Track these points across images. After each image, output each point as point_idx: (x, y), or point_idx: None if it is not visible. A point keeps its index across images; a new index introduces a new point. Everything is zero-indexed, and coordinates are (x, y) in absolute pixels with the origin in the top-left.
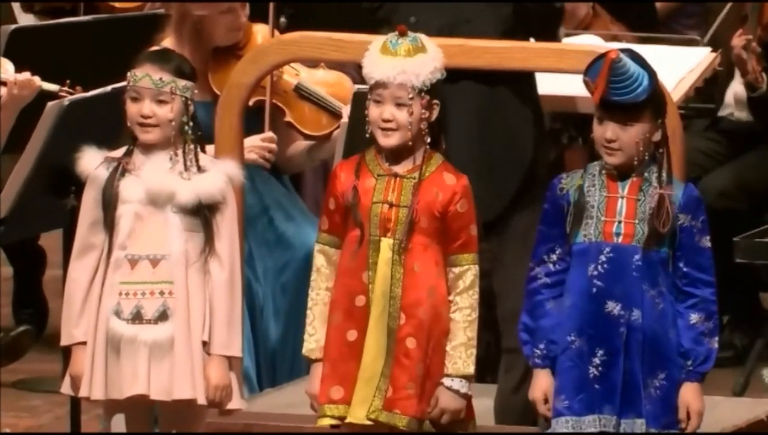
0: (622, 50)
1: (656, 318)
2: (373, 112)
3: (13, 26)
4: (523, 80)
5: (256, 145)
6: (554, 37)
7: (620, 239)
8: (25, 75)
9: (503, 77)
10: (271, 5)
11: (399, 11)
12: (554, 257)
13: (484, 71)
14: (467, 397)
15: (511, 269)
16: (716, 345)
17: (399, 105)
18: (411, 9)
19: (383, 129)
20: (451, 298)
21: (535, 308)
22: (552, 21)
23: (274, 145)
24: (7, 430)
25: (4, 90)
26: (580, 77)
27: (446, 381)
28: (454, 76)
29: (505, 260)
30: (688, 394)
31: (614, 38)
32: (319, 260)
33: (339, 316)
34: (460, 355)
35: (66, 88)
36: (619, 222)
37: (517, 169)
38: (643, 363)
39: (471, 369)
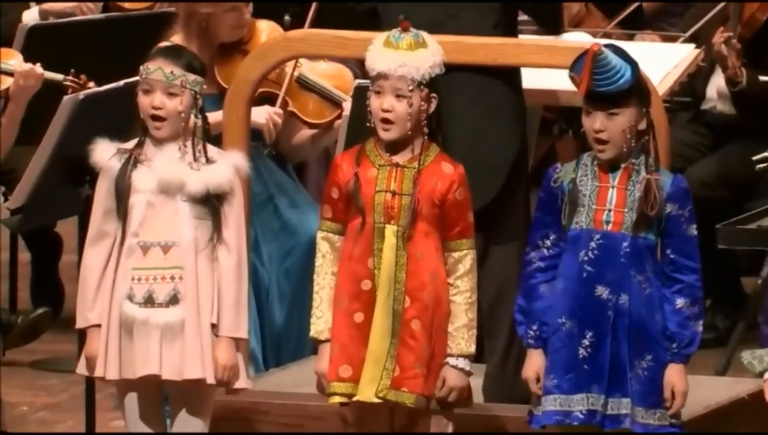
0: (605, 45)
1: (643, 302)
2: (374, 103)
3: (31, 23)
4: (508, 74)
5: (268, 110)
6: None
7: (610, 227)
8: (29, 65)
9: (490, 71)
10: (314, 4)
11: (390, 8)
12: (548, 243)
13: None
14: (470, 375)
15: (494, 259)
16: (701, 328)
17: (399, 96)
18: (399, 5)
19: (382, 120)
20: (450, 281)
21: (530, 291)
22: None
23: (279, 120)
24: (25, 408)
25: (12, 81)
26: (564, 72)
27: (451, 360)
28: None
29: (489, 250)
30: (673, 375)
31: (605, 35)
32: (324, 247)
33: (346, 300)
34: (463, 335)
35: (70, 78)
36: (609, 210)
37: (503, 162)
38: (629, 345)
39: (473, 348)
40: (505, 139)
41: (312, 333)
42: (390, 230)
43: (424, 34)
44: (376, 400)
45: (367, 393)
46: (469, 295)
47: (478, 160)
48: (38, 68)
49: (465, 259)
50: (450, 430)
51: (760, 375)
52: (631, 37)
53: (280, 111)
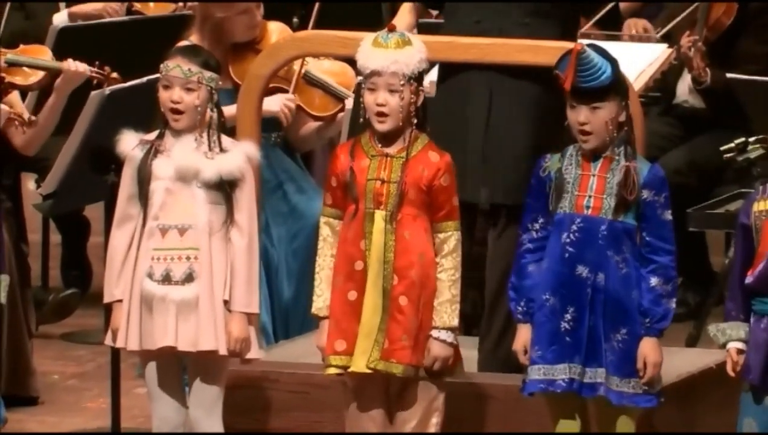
0: (588, 45)
1: (619, 280)
2: (368, 98)
3: (61, 25)
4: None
5: (282, 98)
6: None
7: (590, 211)
8: (76, 65)
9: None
10: (316, 5)
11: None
12: (537, 226)
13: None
14: (453, 346)
15: (502, 247)
16: (673, 305)
17: (391, 91)
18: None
19: (377, 114)
20: (437, 260)
21: (520, 270)
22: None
23: (294, 105)
24: (56, 377)
25: (42, 75)
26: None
27: (434, 333)
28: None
29: (499, 250)
30: (646, 347)
31: (584, 35)
32: (324, 231)
33: (340, 279)
34: (446, 309)
35: (95, 69)
36: (590, 196)
37: (528, 163)
38: (606, 319)
39: (455, 321)
40: (531, 136)
41: (313, 310)
42: (379, 215)
43: (408, 33)
44: (368, 371)
45: (359, 364)
46: (452, 272)
47: (506, 159)
48: (83, 67)
49: (449, 239)
50: (441, 398)
51: (724, 346)
52: (608, 37)
53: (293, 96)
